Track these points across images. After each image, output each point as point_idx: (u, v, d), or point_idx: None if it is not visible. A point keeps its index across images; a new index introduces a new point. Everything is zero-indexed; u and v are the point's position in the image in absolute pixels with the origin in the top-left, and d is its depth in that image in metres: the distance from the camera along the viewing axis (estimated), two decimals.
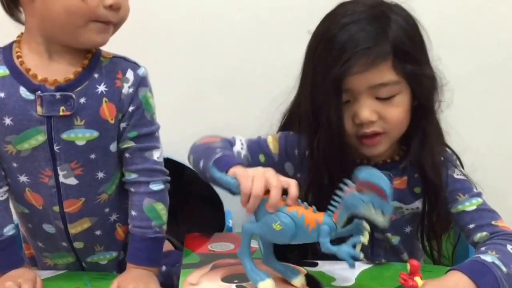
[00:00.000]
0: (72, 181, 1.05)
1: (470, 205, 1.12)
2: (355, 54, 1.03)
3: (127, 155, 1.08)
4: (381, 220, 0.89)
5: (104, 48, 1.06)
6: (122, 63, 1.05)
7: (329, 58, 1.05)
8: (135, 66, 1.06)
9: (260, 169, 0.96)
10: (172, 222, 1.17)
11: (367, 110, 1.06)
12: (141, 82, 1.06)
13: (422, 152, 1.12)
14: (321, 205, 0.94)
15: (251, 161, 1.16)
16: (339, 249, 0.90)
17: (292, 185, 0.94)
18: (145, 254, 1.07)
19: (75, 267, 1.15)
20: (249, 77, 1.44)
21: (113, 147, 1.07)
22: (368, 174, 0.89)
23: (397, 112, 1.08)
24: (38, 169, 1.04)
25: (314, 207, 0.94)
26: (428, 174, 1.12)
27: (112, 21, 1.00)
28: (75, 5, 0.95)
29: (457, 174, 1.15)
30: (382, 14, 1.07)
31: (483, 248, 1.03)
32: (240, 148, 1.16)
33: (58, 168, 1.04)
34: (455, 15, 1.45)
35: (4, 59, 1.02)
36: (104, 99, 1.03)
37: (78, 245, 1.12)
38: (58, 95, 1.00)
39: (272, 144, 1.19)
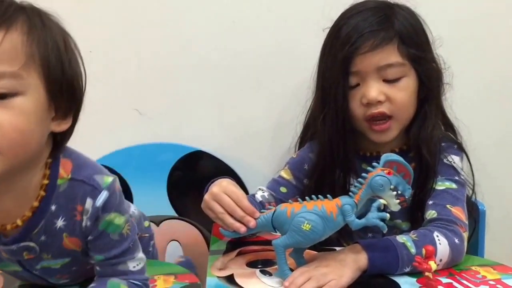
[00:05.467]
0: (66, 278, 1.02)
1: (441, 185, 1.15)
2: (362, 35, 1.12)
3: (97, 267, 0.96)
4: (395, 203, 0.96)
5: None
6: (81, 188, 0.90)
7: (337, 44, 1.14)
8: (94, 192, 0.90)
9: (209, 194, 1.06)
10: (200, 211, 1.22)
11: (374, 89, 1.13)
12: (102, 210, 0.90)
13: (420, 134, 1.17)
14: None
15: (276, 195, 1.23)
16: (367, 219, 0.96)
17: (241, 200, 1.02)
18: None
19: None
20: (275, 75, 1.50)
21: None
22: (397, 157, 0.98)
23: (403, 94, 1.15)
24: (28, 278, 1.01)
25: (329, 196, 1.00)
26: (423, 156, 1.15)
27: None
28: None
29: (447, 160, 1.18)
30: (386, 6, 1.17)
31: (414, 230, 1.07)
32: (261, 194, 1.23)
33: (48, 279, 1.00)
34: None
35: None
36: (64, 234, 0.92)
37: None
38: (15, 247, 0.91)
39: (285, 173, 1.26)
